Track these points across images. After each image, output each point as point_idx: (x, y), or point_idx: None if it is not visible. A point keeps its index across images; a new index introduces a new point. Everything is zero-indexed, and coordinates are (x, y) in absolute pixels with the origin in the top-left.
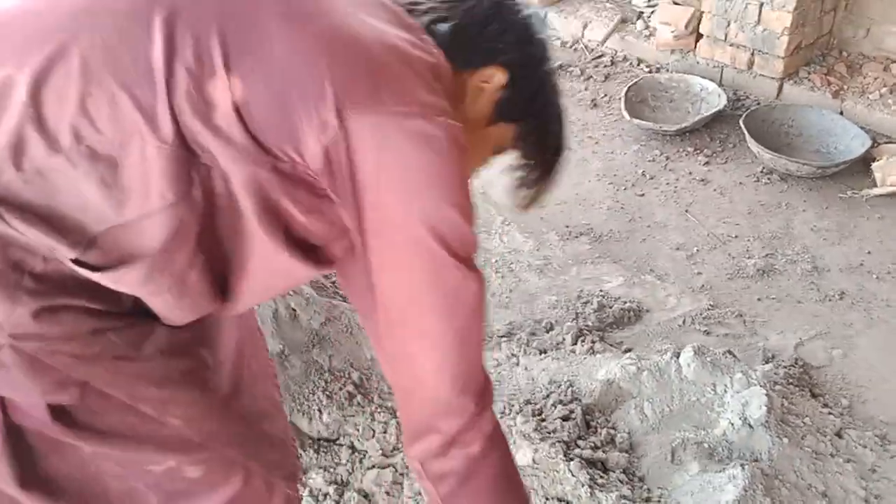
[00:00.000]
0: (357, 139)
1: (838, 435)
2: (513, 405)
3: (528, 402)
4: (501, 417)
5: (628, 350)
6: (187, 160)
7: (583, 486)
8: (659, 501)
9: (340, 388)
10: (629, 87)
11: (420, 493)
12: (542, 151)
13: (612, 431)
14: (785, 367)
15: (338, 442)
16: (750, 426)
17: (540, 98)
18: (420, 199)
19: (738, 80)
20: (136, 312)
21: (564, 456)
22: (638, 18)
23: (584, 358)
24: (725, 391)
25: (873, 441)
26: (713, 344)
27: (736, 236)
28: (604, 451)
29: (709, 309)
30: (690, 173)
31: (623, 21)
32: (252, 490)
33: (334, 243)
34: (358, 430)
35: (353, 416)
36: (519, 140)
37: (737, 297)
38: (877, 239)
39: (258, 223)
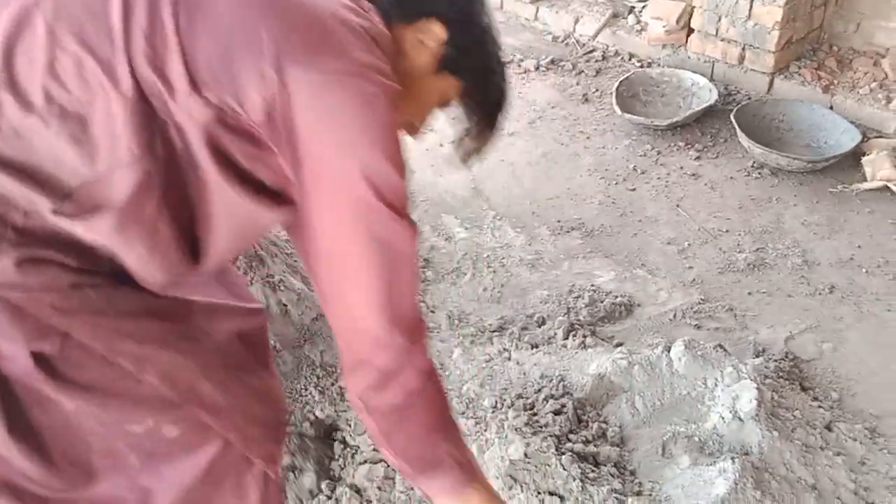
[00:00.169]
0: (295, 93)
1: (828, 428)
2: (504, 399)
3: (519, 397)
4: (493, 412)
5: (619, 344)
6: (148, 114)
7: (574, 479)
8: (650, 495)
9: (332, 384)
10: (620, 82)
11: (413, 489)
12: (484, 103)
13: (603, 425)
14: (775, 360)
15: (330, 437)
16: (740, 420)
17: (478, 50)
18: (355, 151)
19: (729, 75)
20: (114, 275)
21: (556, 450)
22: (629, 13)
23: (576, 352)
24: (716, 385)
25: (863, 434)
26: (704, 338)
27: (727, 231)
28: (595, 445)
29: (700, 303)
30: (681, 168)
31: (614, 16)
32: (230, 460)
33: (289, 188)
34: (350, 425)
35: (345, 411)
36: (462, 92)
37: (727, 292)
38: (866, 233)
39: (215, 173)
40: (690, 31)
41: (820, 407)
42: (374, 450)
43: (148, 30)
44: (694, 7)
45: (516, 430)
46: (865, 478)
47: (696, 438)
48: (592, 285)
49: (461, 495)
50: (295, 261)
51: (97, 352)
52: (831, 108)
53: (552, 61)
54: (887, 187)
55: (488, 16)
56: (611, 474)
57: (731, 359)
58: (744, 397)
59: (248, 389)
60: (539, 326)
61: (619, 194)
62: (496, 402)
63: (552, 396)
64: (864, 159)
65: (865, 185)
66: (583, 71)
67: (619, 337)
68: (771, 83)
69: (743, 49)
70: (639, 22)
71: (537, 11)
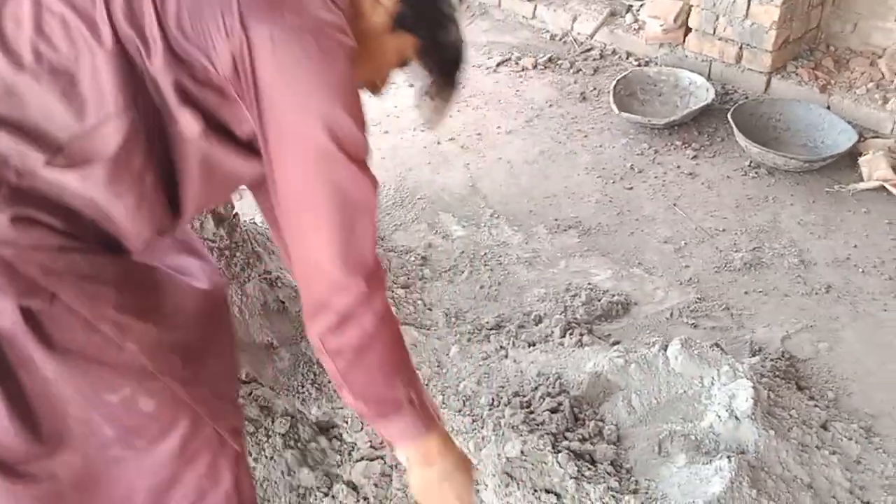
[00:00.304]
0: (258, 47)
1: (824, 427)
2: (501, 397)
3: (516, 395)
4: (490, 410)
5: (616, 343)
6: (129, 70)
7: (571, 477)
8: (646, 493)
9: (329, 381)
10: (618, 81)
11: (408, 486)
12: (441, 61)
13: (599, 424)
14: (771, 359)
15: (327, 434)
16: (736, 418)
17: (431, 8)
18: (315, 102)
19: (726, 74)
20: (97, 242)
21: (552, 448)
22: (627, 12)
23: (573, 350)
24: (712, 384)
25: (858, 433)
26: (700, 337)
27: (723, 230)
28: (592, 444)
29: (696, 302)
30: (678, 167)
31: (612, 14)
32: (202, 439)
33: (257, 139)
34: (347, 422)
35: (342, 408)
36: (419, 50)
37: (724, 291)
38: (863, 233)
39: (189, 124)
40: (688, 30)
41: (816, 406)
42: (372, 447)
43: None
44: (691, 6)
45: (513, 427)
46: (861, 477)
47: (693, 437)
48: (589, 284)
49: (420, 440)
50: None
51: (82, 315)
52: (828, 107)
53: (550, 59)
54: (884, 187)
55: None
56: (607, 472)
57: (727, 358)
58: (740, 396)
59: (214, 365)
60: (536, 324)
61: (616, 193)
62: (493, 399)
63: (549, 394)
64: (861, 159)
65: (862, 185)
66: (580, 69)
67: (615, 335)
68: (768, 83)
69: (740, 48)
70: (636, 21)
71: (535, 9)
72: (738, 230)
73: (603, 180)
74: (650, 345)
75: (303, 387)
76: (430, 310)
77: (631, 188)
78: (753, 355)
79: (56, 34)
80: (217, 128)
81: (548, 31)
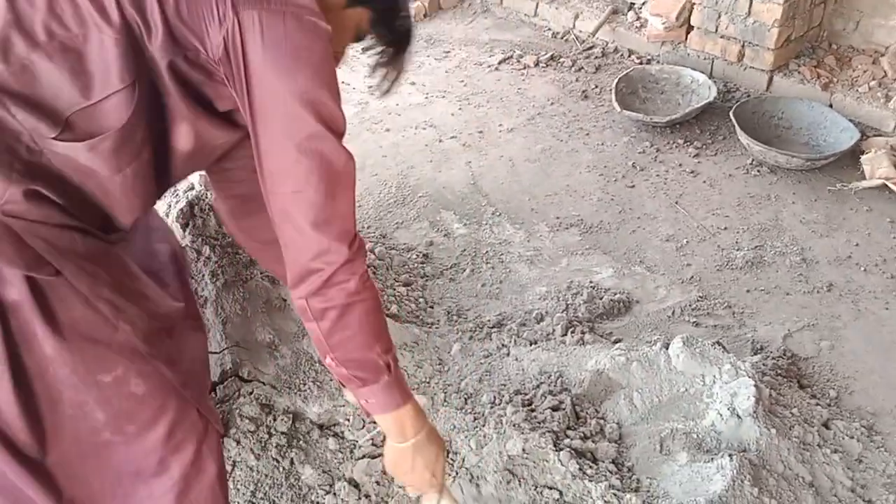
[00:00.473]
0: (247, 29)
1: (825, 426)
2: (503, 395)
3: (518, 393)
4: (492, 408)
5: (618, 341)
6: (133, 49)
7: (573, 476)
8: (647, 491)
9: (331, 378)
10: (620, 79)
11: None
12: (393, 32)
13: (601, 422)
14: (773, 358)
15: (328, 432)
16: (738, 417)
17: None
18: (297, 79)
19: (728, 72)
20: (92, 226)
21: (554, 446)
22: (629, 10)
23: (574, 349)
24: (714, 382)
25: (860, 432)
26: (702, 335)
27: (725, 228)
28: (593, 442)
29: (698, 300)
30: (680, 165)
31: (614, 12)
32: (188, 426)
33: (235, 113)
34: (348, 420)
35: (344, 406)
36: (374, 23)
37: (726, 289)
38: (865, 231)
39: (180, 99)
40: (690, 28)
41: (818, 404)
42: (373, 444)
43: None
44: (694, 4)
45: (514, 425)
46: (862, 475)
47: (694, 435)
48: (591, 282)
49: (397, 411)
50: None
51: (82, 293)
52: (830, 105)
53: (552, 57)
54: (886, 186)
55: None
56: (608, 470)
57: (729, 356)
58: (742, 394)
59: (193, 352)
60: (538, 323)
61: (617, 191)
62: (495, 397)
63: (550, 392)
64: (863, 158)
65: (864, 184)
66: (582, 67)
67: (617, 334)
68: (770, 81)
69: (742, 46)
70: (638, 18)
71: (537, 7)
72: (739, 228)
73: (605, 178)
74: (652, 343)
75: (304, 384)
76: (431, 307)
77: (633, 186)
78: (755, 353)
79: (67, 14)
80: (201, 102)
81: (550, 29)
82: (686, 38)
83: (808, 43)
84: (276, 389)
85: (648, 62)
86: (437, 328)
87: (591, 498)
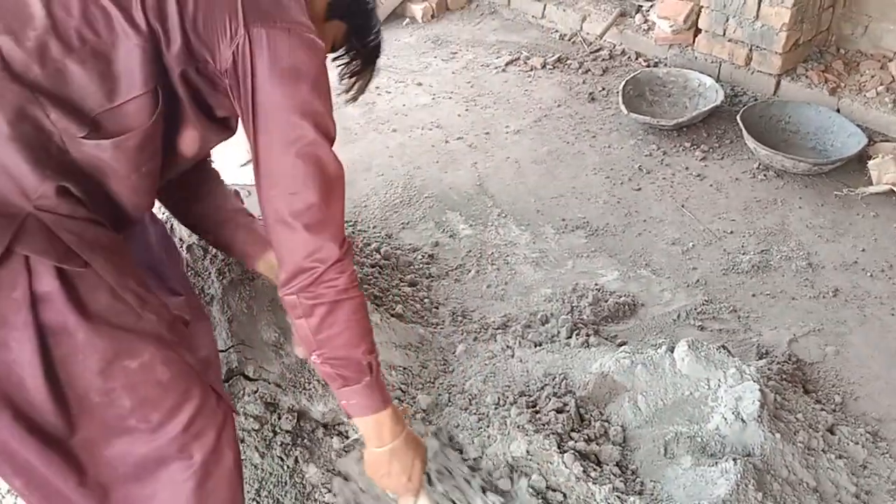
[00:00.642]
0: (256, 44)
1: (830, 431)
2: (507, 397)
3: (522, 394)
4: (496, 409)
5: (623, 344)
6: (154, 56)
7: (577, 478)
8: (651, 494)
9: None
10: (627, 82)
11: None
12: (365, 45)
13: (605, 424)
14: (778, 362)
15: (333, 430)
16: (743, 421)
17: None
18: (298, 91)
19: (735, 76)
20: (110, 221)
21: (558, 448)
22: (637, 12)
23: (579, 351)
24: (719, 386)
25: (865, 437)
26: (707, 339)
27: (731, 232)
28: (597, 444)
29: (703, 304)
30: (687, 168)
31: (622, 15)
32: (209, 412)
33: (231, 117)
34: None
35: None
36: (348, 37)
37: (731, 293)
38: (871, 237)
39: (189, 103)
40: (698, 31)
41: (822, 410)
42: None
43: None
44: (701, 7)
45: (519, 427)
46: (867, 481)
47: (699, 439)
48: (596, 284)
49: (377, 414)
50: None
51: (108, 284)
52: (838, 110)
53: (559, 59)
54: (893, 191)
55: None
56: (612, 473)
57: (734, 360)
58: (746, 399)
59: (205, 339)
60: (543, 324)
61: (624, 194)
62: (499, 398)
63: (555, 394)
64: (871, 163)
65: (871, 189)
66: (589, 69)
67: (622, 336)
68: (777, 85)
69: (750, 50)
70: (646, 21)
71: (545, 9)
72: (746, 232)
73: (611, 181)
74: (657, 346)
75: (309, 383)
76: (436, 308)
77: (639, 189)
78: (760, 358)
79: (99, 23)
80: (205, 110)
81: (557, 31)
82: (694, 42)
83: (816, 47)
84: (281, 388)
85: (656, 65)
86: (442, 329)
87: (595, 500)
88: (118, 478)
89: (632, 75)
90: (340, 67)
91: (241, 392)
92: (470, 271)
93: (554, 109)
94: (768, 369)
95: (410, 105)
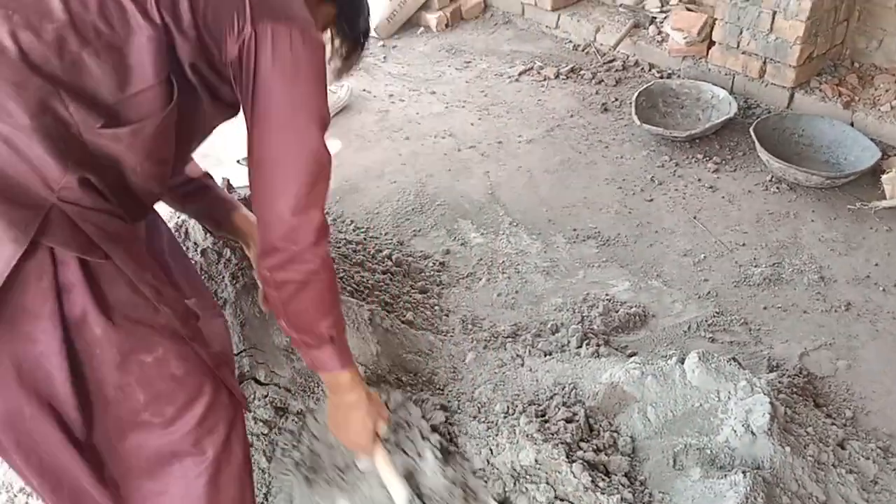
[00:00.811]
0: (261, 39)
1: (841, 446)
2: (516, 405)
3: (531, 403)
4: (505, 417)
5: (633, 354)
6: (167, 48)
7: (585, 489)
8: None
9: None
10: (640, 93)
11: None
12: (354, 27)
13: (614, 435)
14: (789, 376)
15: None
16: (753, 434)
17: None
18: (298, 84)
19: (749, 88)
20: (127, 213)
21: (567, 458)
22: (650, 24)
23: (589, 361)
24: (729, 398)
25: (876, 453)
26: (718, 351)
27: (743, 244)
28: (606, 454)
29: (714, 316)
30: (699, 180)
31: (635, 26)
32: (221, 407)
33: (233, 101)
34: None
35: None
36: (338, 20)
37: (743, 305)
38: (884, 251)
39: (200, 90)
40: (711, 43)
41: (833, 424)
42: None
43: None
44: (715, 19)
45: (528, 436)
46: (877, 497)
47: (708, 451)
48: (607, 294)
49: (337, 373)
50: None
51: (127, 276)
52: (852, 124)
53: (572, 70)
54: None
55: None
56: (621, 484)
57: (744, 372)
58: (757, 411)
59: (219, 335)
60: (553, 334)
61: (636, 204)
62: (508, 407)
63: (564, 404)
64: (884, 177)
65: (884, 203)
66: (602, 80)
67: (632, 347)
68: (791, 98)
69: (764, 63)
70: (660, 33)
71: (558, 19)
72: (758, 245)
73: (623, 191)
74: (667, 357)
75: (318, 386)
76: (447, 315)
77: (651, 200)
78: (771, 371)
79: (114, 17)
80: (214, 95)
81: (571, 42)
82: (707, 54)
83: (831, 61)
84: (291, 392)
85: (669, 76)
86: (451, 336)
87: None
88: (131, 472)
89: (645, 86)
90: (328, 50)
91: (252, 396)
92: (481, 279)
93: (567, 119)
94: (779, 382)
95: (424, 113)
